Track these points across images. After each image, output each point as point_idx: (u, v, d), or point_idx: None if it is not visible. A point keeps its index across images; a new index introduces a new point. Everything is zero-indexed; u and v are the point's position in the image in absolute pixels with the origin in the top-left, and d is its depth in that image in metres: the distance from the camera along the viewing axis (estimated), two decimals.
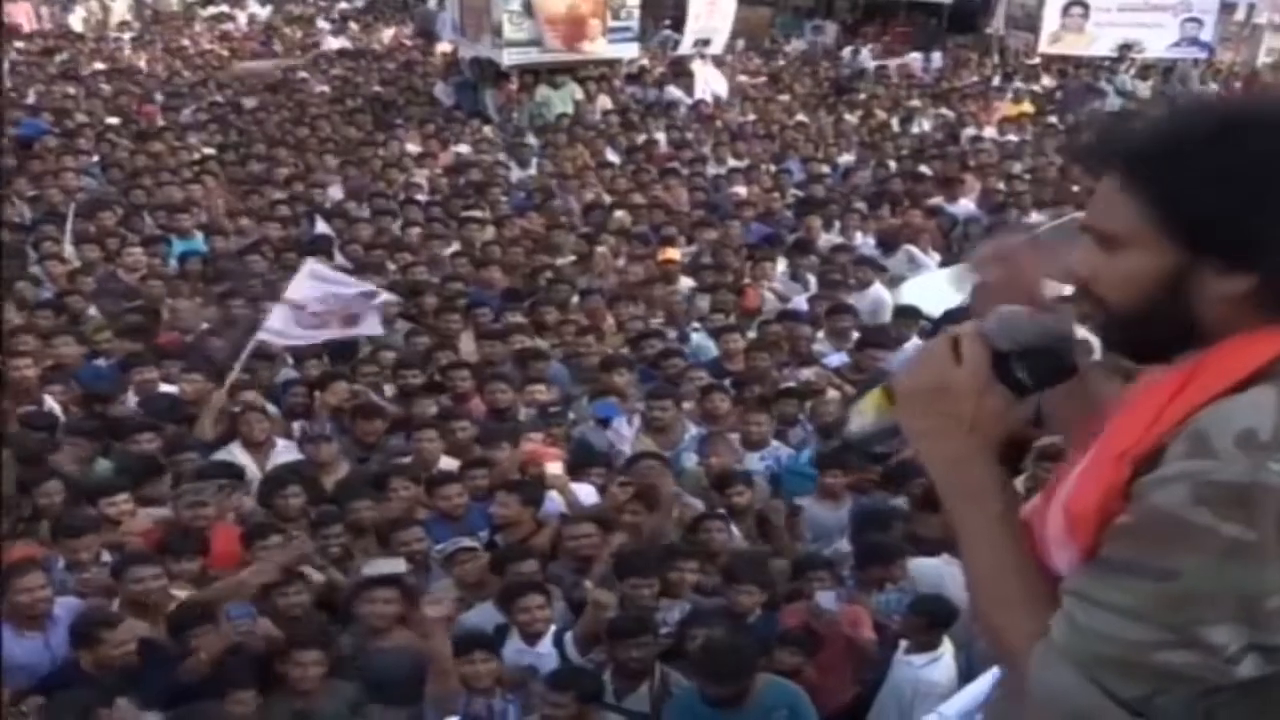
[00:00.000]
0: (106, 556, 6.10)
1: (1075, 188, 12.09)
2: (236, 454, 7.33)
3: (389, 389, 8.39)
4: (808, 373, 8.43)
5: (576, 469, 7.06)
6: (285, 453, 7.46)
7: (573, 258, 11.12)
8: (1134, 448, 1.36)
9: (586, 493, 6.84)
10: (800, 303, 10.13)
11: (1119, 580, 1.32)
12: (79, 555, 6.02)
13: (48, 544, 6.20)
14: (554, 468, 6.88)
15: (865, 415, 1.70)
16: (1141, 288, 1.42)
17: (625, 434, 7.67)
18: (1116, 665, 1.32)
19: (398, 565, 5.93)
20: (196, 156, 15.09)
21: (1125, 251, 1.43)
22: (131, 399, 8.04)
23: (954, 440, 1.52)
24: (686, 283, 10.48)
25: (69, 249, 10.95)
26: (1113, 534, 1.35)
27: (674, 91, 18.98)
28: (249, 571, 5.82)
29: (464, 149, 15.91)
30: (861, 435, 1.70)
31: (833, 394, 8.07)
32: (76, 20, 26.45)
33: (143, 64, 22.14)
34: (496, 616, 5.82)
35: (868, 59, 22.91)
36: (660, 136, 16.52)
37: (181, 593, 5.80)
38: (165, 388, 8.13)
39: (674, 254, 11.00)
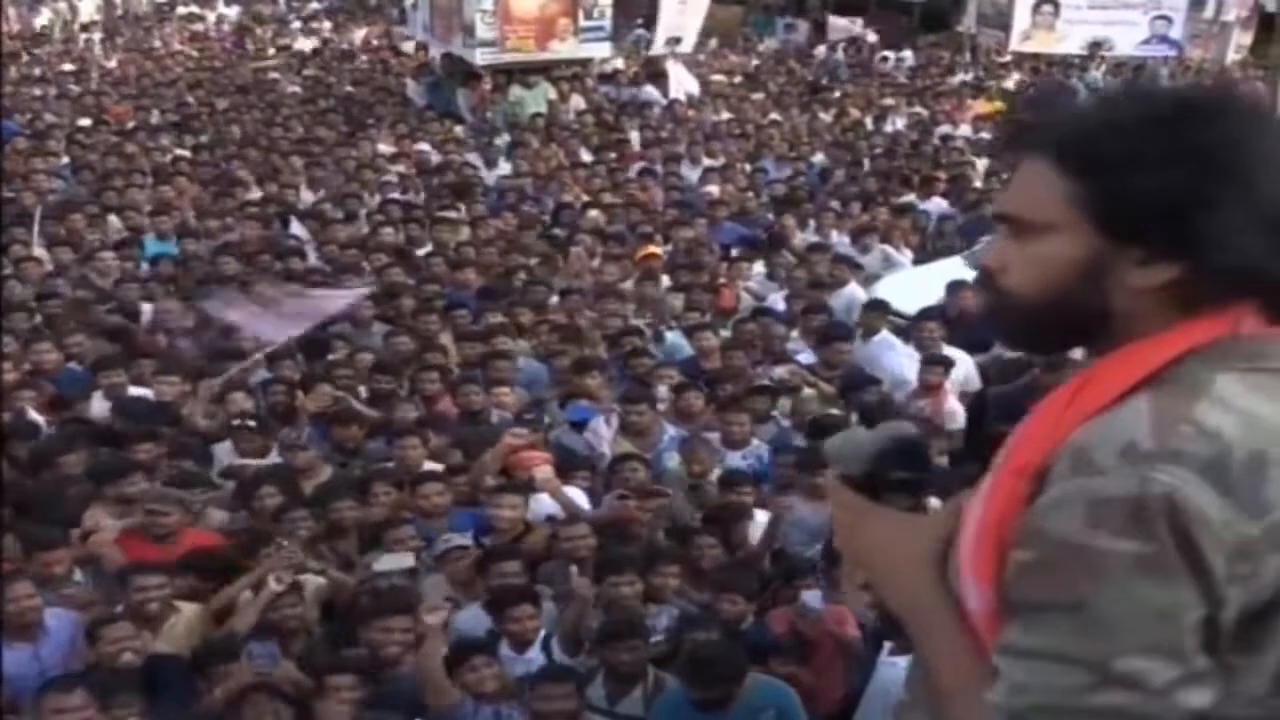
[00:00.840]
0: (79, 574, 6.03)
1: None
2: (222, 456, 7.33)
3: (363, 391, 8.34)
4: (781, 370, 8.44)
5: (561, 473, 7.05)
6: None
7: (541, 258, 11.11)
8: (1028, 463, 1.31)
9: (575, 495, 6.82)
10: (776, 301, 10.15)
11: (1037, 623, 1.24)
12: (52, 570, 5.92)
13: (17, 560, 6.13)
14: (544, 471, 6.86)
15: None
16: (1057, 276, 1.37)
17: (604, 434, 7.64)
18: (1059, 716, 1.22)
19: (406, 560, 5.86)
20: (168, 158, 14.99)
21: (1044, 238, 1.37)
22: (100, 403, 7.94)
23: (881, 573, 1.52)
24: (663, 282, 10.47)
25: (38, 250, 10.86)
26: (1018, 574, 1.27)
27: (648, 91, 18.97)
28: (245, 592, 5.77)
29: (424, 146, 15.85)
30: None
31: (808, 391, 8.10)
32: (43, 20, 26.22)
33: (112, 64, 21.98)
34: (486, 620, 5.80)
35: (841, 57, 22.97)
36: (634, 136, 16.52)
37: (184, 605, 5.74)
38: (134, 390, 8.06)
39: (655, 250, 11.01)
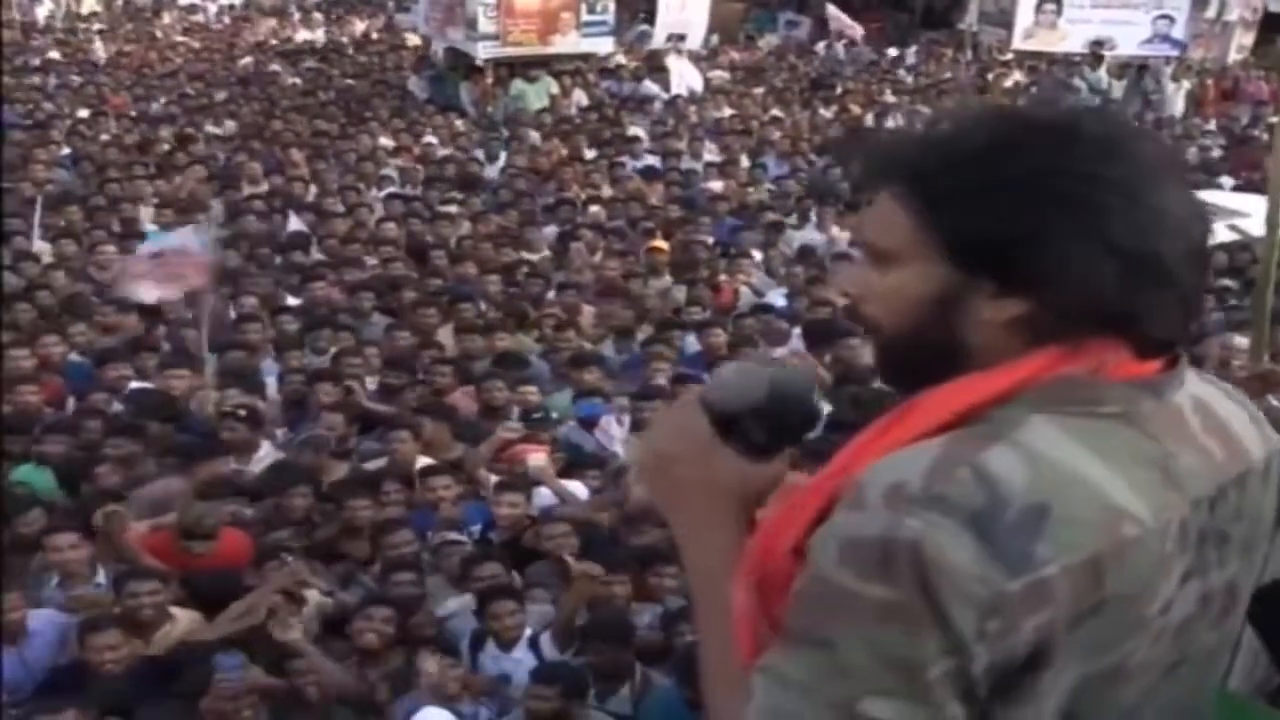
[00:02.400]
0: (101, 575, 5.98)
1: None
2: None
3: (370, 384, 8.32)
4: (782, 352, 8.48)
5: (568, 471, 7.04)
6: (269, 458, 7.36)
7: (546, 253, 11.10)
8: (824, 486, 1.26)
9: (576, 489, 6.82)
10: (776, 298, 10.15)
11: (794, 653, 1.19)
12: (65, 555, 5.89)
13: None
14: (537, 459, 6.84)
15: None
16: (912, 307, 1.31)
17: (615, 433, 7.62)
18: None
19: (468, 601, 5.84)
20: (167, 149, 14.97)
21: (897, 267, 1.32)
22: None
23: (684, 511, 1.40)
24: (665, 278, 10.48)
25: (38, 243, 10.84)
26: (792, 599, 1.22)
27: (650, 86, 18.96)
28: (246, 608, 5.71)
29: (431, 140, 15.86)
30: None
31: None
32: (43, 11, 26.16)
33: (112, 54, 21.93)
34: (473, 618, 5.80)
35: (842, 55, 22.96)
36: (635, 131, 16.50)
37: (180, 611, 5.72)
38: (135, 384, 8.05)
39: (661, 244, 11.02)
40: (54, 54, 21.58)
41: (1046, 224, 1.23)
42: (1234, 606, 1.36)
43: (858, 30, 23.28)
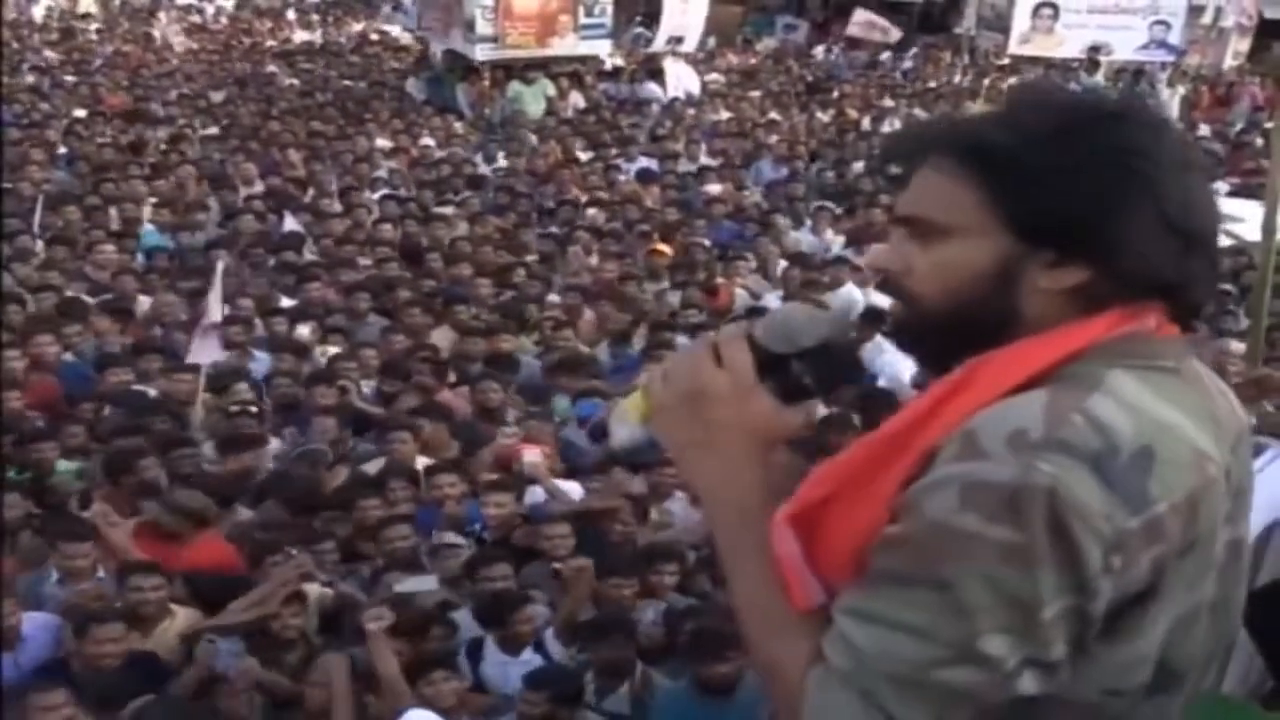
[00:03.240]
0: (101, 571, 5.97)
1: None
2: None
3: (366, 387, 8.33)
4: None
5: (571, 475, 7.05)
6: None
7: (533, 256, 11.12)
8: (910, 443, 1.29)
9: (572, 490, 6.82)
10: (772, 301, 10.15)
11: (894, 594, 1.24)
12: (76, 563, 5.89)
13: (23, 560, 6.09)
14: (531, 456, 6.85)
15: (628, 422, 1.51)
16: (966, 278, 1.36)
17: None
18: (898, 686, 1.22)
19: (429, 583, 5.80)
20: (163, 149, 14.95)
21: (951, 241, 1.37)
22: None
23: (717, 452, 1.41)
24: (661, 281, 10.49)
25: (36, 243, 10.82)
26: (883, 544, 1.26)
27: (650, 88, 18.97)
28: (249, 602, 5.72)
29: (428, 142, 15.85)
30: (629, 444, 1.54)
31: None
32: (39, 11, 26.15)
33: (109, 53, 21.92)
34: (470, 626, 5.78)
35: (841, 58, 22.99)
36: (632, 133, 16.51)
37: (179, 609, 5.71)
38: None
39: (663, 247, 11.03)
40: (49, 53, 21.54)
41: (1114, 199, 1.32)
42: (1240, 559, 1.43)
43: (892, 32, 23.17)
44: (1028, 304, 1.35)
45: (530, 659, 5.55)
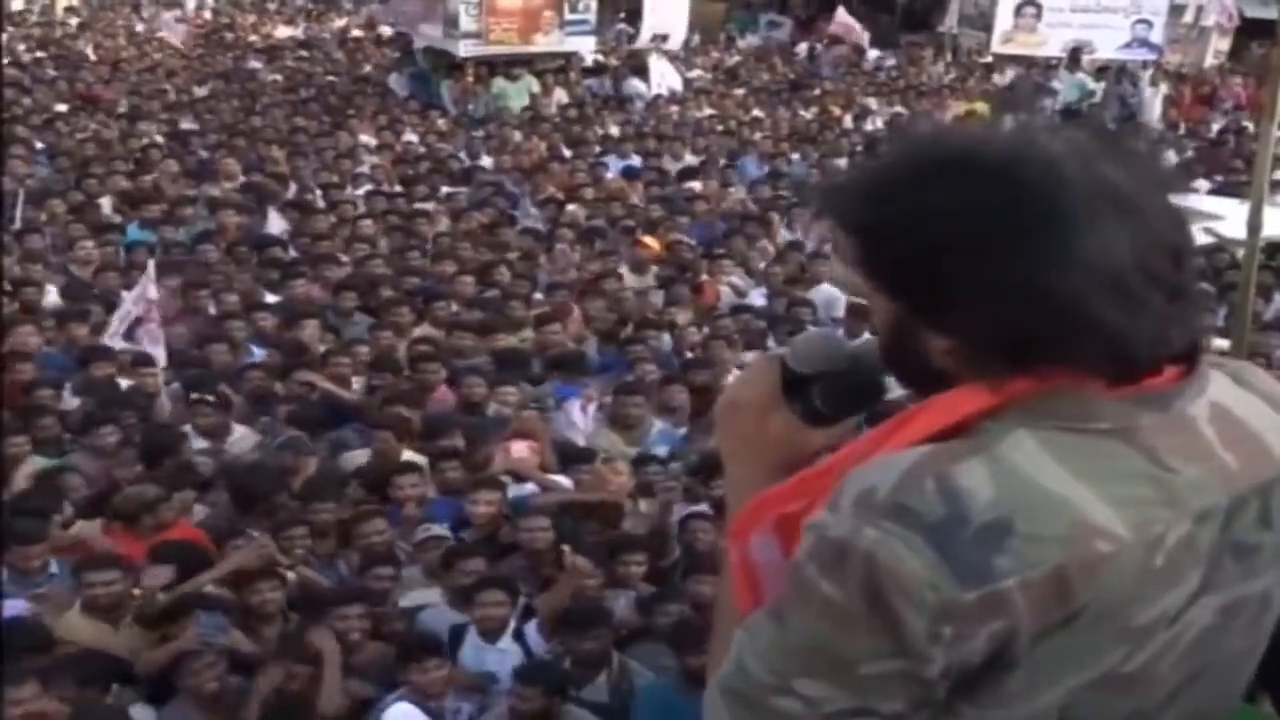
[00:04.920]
0: (55, 566, 6.01)
1: None
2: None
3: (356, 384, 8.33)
4: (752, 356, 8.52)
5: (565, 465, 7.10)
6: (244, 440, 7.40)
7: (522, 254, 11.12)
8: (829, 478, 1.29)
9: (562, 482, 6.86)
10: (757, 298, 10.19)
11: (763, 620, 1.27)
12: (30, 564, 5.90)
13: None
14: (519, 450, 6.86)
15: None
16: (884, 331, 1.35)
17: (576, 420, 7.66)
18: (745, 705, 1.26)
19: (432, 596, 5.88)
20: (145, 143, 14.90)
21: (871, 295, 1.35)
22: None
23: (740, 462, 1.47)
24: (646, 278, 10.51)
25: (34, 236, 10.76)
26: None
27: (633, 85, 18.98)
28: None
29: (412, 138, 15.83)
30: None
31: None
32: (19, 4, 25.99)
33: (89, 50, 21.82)
34: (449, 616, 5.80)
35: (824, 55, 23.02)
36: (615, 130, 16.53)
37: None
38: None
39: (650, 240, 11.05)
40: (21, 46, 21.40)
41: (939, 264, 1.23)
42: (1264, 615, 1.37)
43: (864, 36, 23.21)
44: (937, 361, 1.30)
45: (508, 647, 5.59)
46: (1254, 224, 5.35)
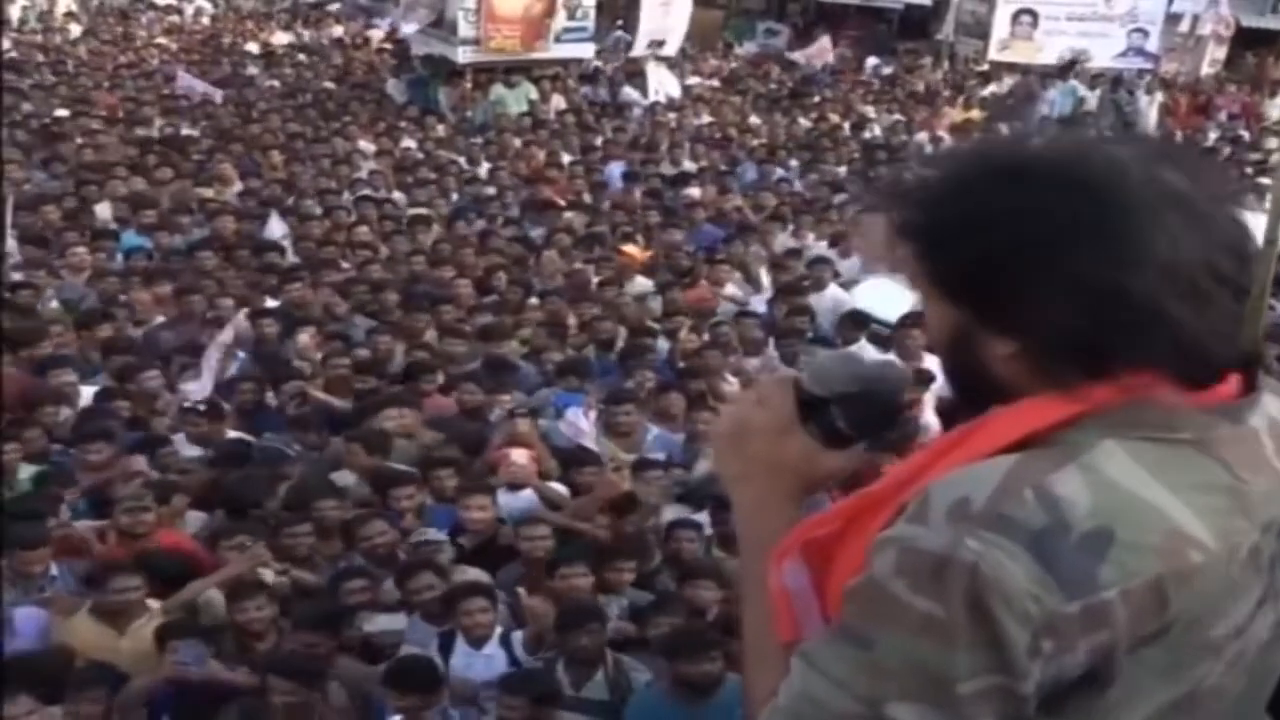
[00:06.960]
0: (55, 569, 5.99)
1: None
2: (182, 446, 7.28)
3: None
4: (755, 363, 8.52)
5: (565, 470, 7.11)
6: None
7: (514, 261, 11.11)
8: (893, 497, 1.27)
9: (559, 489, 6.86)
10: (757, 305, 10.19)
11: (834, 646, 1.23)
12: (31, 568, 5.89)
13: None
14: (518, 457, 6.85)
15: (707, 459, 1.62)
16: (943, 341, 1.34)
17: (582, 426, 7.65)
18: None
19: (398, 622, 5.85)
20: (143, 150, 14.85)
21: (928, 304, 1.34)
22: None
23: (753, 485, 1.44)
24: (644, 284, 10.49)
25: (10, 243, 10.74)
26: (845, 593, 1.25)
27: (630, 92, 18.99)
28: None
29: (410, 144, 15.82)
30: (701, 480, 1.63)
31: None
32: (15, 10, 25.93)
33: (85, 55, 21.78)
34: (427, 630, 5.77)
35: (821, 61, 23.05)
36: (613, 137, 16.52)
37: (155, 604, 5.71)
38: None
39: (632, 249, 11.04)
40: (14, 53, 21.33)
41: (1011, 264, 1.23)
42: None
43: (828, 56, 23.25)
44: (995, 370, 1.29)
45: (494, 653, 5.59)
46: (1271, 235, 5.34)
